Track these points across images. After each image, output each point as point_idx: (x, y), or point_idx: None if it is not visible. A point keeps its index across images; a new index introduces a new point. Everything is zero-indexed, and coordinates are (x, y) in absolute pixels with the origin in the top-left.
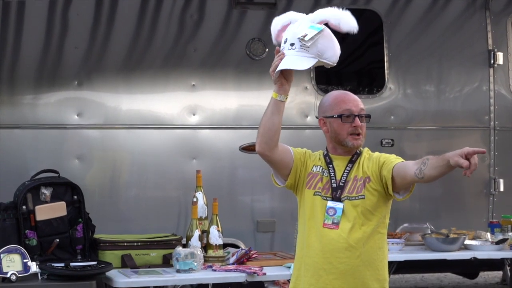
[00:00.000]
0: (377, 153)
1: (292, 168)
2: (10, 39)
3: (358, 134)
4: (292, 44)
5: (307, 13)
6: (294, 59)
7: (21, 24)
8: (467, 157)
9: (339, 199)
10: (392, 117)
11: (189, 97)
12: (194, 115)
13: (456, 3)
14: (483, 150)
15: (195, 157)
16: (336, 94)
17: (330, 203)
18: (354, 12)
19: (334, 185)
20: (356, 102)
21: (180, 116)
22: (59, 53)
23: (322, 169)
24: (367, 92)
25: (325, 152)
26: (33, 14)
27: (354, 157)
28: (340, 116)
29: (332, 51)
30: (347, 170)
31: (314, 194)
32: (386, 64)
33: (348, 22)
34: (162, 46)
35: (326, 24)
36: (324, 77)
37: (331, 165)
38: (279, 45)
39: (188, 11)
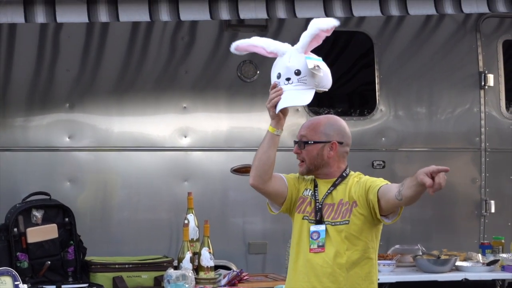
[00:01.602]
0: (365, 177)
1: (287, 196)
2: (2, 61)
3: (301, 161)
4: (288, 79)
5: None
6: (294, 95)
7: (12, 46)
8: (432, 175)
9: (320, 222)
10: (383, 139)
11: (181, 119)
12: (185, 137)
13: (446, 25)
14: (446, 169)
15: (187, 179)
16: None
17: (313, 227)
18: (345, 35)
19: (317, 208)
20: (301, 129)
21: (172, 138)
22: (51, 76)
23: (312, 192)
24: (358, 114)
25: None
26: (24, 36)
27: (337, 180)
28: (296, 142)
29: (328, 78)
30: (327, 193)
31: (302, 219)
32: (377, 86)
33: (328, 80)
34: (154, 68)
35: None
36: (316, 100)
37: (316, 188)
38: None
39: (179, 34)
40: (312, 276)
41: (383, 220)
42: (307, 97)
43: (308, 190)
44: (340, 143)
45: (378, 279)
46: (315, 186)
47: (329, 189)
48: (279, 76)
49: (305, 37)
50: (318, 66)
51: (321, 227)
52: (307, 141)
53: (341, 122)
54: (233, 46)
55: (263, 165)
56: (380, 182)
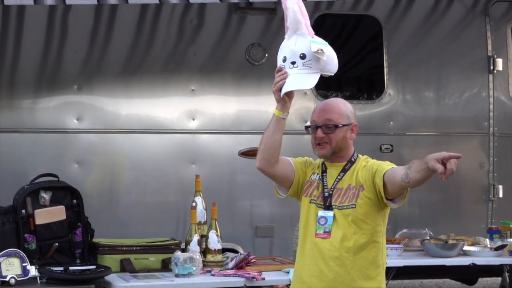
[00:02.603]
0: (372, 161)
1: (294, 179)
2: (10, 44)
3: (321, 144)
4: (293, 63)
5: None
6: (298, 78)
7: (21, 28)
8: (444, 161)
9: (329, 208)
10: (391, 122)
11: (189, 102)
12: (193, 119)
13: (456, 9)
14: (459, 155)
15: (194, 162)
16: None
17: (321, 212)
18: (354, 18)
19: (326, 193)
20: (322, 113)
21: (180, 121)
22: (59, 58)
23: (319, 176)
24: (367, 97)
25: (323, 160)
26: (33, 18)
27: (347, 165)
28: (308, 127)
29: (333, 63)
30: (338, 178)
31: (310, 202)
32: (385, 70)
33: (333, 65)
34: (162, 50)
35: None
36: (324, 83)
37: (325, 174)
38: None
39: (188, 16)
40: (319, 259)
41: (389, 204)
42: (312, 81)
43: (316, 174)
44: (354, 124)
45: (386, 263)
46: (324, 170)
47: (339, 174)
48: (284, 60)
49: (324, 45)
50: (321, 49)
51: (329, 213)
52: (337, 125)
53: (349, 104)
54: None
55: (269, 148)
56: (387, 165)
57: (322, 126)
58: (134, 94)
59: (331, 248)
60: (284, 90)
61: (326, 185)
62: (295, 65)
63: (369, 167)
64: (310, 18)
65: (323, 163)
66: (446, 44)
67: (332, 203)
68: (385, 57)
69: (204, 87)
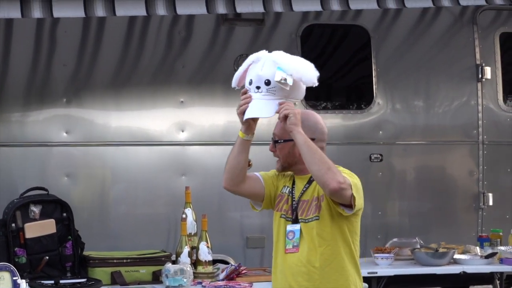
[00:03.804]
0: None
1: (265, 194)
2: None
3: (278, 158)
4: (258, 87)
5: (294, 33)
6: (261, 105)
7: (9, 41)
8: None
9: (296, 221)
10: (380, 132)
11: (178, 114)
12: (182, 131)
13: (443, 18)
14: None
15: (184, 174)
16: None
17: (289, 227)
18: (342, 28)
19: (293, 206)
20: (275, 127)
21: (169, 133)
22: (47, 71)
23: (289, 189)
24: (356, 107)
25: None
26: (21, 31)
27: (311, 177)
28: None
29: (300, 89)
30: (303, 190)
31: (280, 217)
32: (374, 79)
33: (309, 77)
34: (150, 63)
35: None
36: (313, 93)
37: (294, 186)
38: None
39: (176, 28)
40: (289, 276)
41: (343, 210)
42: (273, 109)
43: (286, 187)
44: (312, 139)
45: (376, 273)
46: (293, 183)
47: (305, 186)
48: (250, 83)
49: (288, 61)
50: (285, 79)
51: (296, 227)
52: (277, 140)
53: (313, 117)
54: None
55: (234, 169)
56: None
57: (274, 140)
58: (124, 107)
59: (299, 263)
60: (246, 116)
61: (294, 198)
62: (259, 90)
63: None
64: (298, 28)
65: (293, 176)
66: (435, 53)
67: (299, 217)
68: (373, 67)
69: (193, 99)
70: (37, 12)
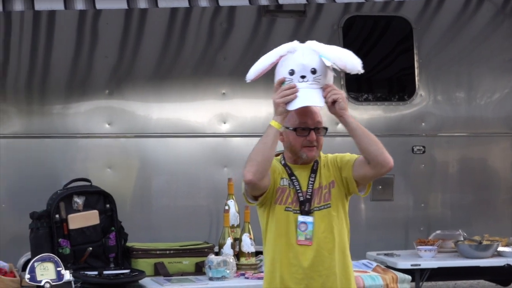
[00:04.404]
0: (331, 156)
1: (269, 188)
2: (41, 49)
3: (312, 146)
4: (303, 77)
5: (336, 24)
6: (310, 94)
7: (51, 34)
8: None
9: (308, 213)
10: (423, 124)
11: (220, 106)
12: (224, 123)
13: (485, 9)
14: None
15: (226, 165)
16: None
17: (301, 218)
18: (384, 19)
19: (301, 198)
20: (313, 115)
21: (211, 125)
22: (90, 63)
23: (289, 181)
24: (398, 99)
25: (283, 162)
26: (63, 24)
27: (314, 165)
28: (295, 129)
29: (332, 78)
30: (311, 181)
31: (285, 210)
32: (416, 71)
33: (354, 64)
34: (192, 55)
35: None
36: (355, 85)
37: (293, 177)
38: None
39: (218, 20)
40: (307, 268)
41: (359, 193)
42: (321, 97)
43: (284, 179)
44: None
45: (419, 265)
46: (290, 174)
47: (311, 176)
48: (292, 73)
49: (329, 49)
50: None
51: (309, 219)
52: (326, 128)
53: None
54: (248, 79)
55: (267, 161)
56: (350, 157)
57: (314, 128)
58: (165, 98)
59: (316, 253)
60: (296, 105)
61: (300, 189)
62: (305, 79)
63: (333, 162)
64: (340, 20)
65: (285, 166)
66: (477, 44)
67: (311, 207)
68: (416, 58)
69: (235, 91)
70: (80, 4)
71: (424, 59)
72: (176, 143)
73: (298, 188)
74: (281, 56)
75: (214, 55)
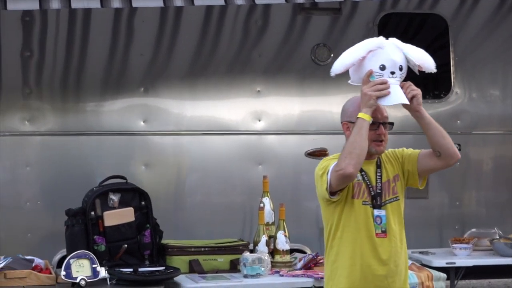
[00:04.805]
0: (390, 151)
1: None
2: (76, 47)
3: (381, 141)
4: (392, 73)
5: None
6: (399, 92)
7: (87, 32)
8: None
9: (380, 206)
10: (458, 121)
11: (254, 103)
12: (259, 120)
13: None
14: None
15: (261, 163)
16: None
17: (376, 212)
18: (420, 16)
19: (372, 192)
20: (381, 110)
21: (245, 122)
22: (125, 60)
23: (360, 176)
24: (433, 96)
25: None
26: (99, 22)
27: (378, 161)
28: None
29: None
30: (379, 175)
31: (362, 204)
32: (452, 68)
33: (430, 63)
34: (227, 52)
35: None
36: None
37: (363, 172)
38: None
39: (253, 17)
40: (387, 259)
41: (418, 185)
42: (404, 95)
43: (358, 175)
44: (351, 122)
45: (455, 263)
46: (361, 170)
47: (377, 171)
48: (383, 68)
49: (410, 48)
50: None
51: (382, 212)
52: (393, 123)
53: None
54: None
55: (364, 152)
56: (412, 151)
57: (382, 123)
58: (200, 96)
59: (392, 244)
60: (389, 102)
61: (370, 184)
62: (394, 76)
63: (394, 157)
64: (376, 17)
65: None
66: None
67: (383, 201)
68: (451, 55)
69: (269, 88)
70: (116, 2)
71: (459, 57)
72: (210, 140)
73: (368, 183)
74: (370, 51)
75: (249, 52)
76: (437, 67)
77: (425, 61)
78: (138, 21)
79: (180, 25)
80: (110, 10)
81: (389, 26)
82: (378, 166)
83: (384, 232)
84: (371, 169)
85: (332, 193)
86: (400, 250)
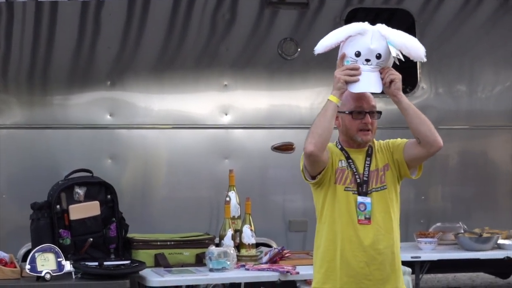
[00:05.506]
0: (383, 142)
1: (327, 165)
2: (43, 40)
3: (368, 130)
4: (368, 60)
5: (339, 17)
6: (371, 79)
7: (54, 25)
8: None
9: (365, 194)
10: None
11: (221, 97)
12: (226, 114)
13: (488, 2)
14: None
15: (227, 157)
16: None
17: (360, 199)
18: (386, 12)
19: (358, 180)
20: (368, 99)
21: (212, 116)
22: (92, 53)
23: (346, 163)
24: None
25: (339, 146)
26: (65, 14)
27: (369, 150)
28: (351, 113)
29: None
30: (367, 164)
31: (345, 190)
32: (418, 64)
33: (418, 52)
34: (194, 46)
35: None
36: None
37: (350, 160)
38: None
39: (220, 11)
40: (368, 246)
41: (410, 176)
42: (380, 83)
43: (342, 161)
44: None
45: (419, 257)
46: (347, 157)
47: (366, 159)
48: (358, 55)
49: (397, 36)
50: (398, 55)
51: (367, 199)
52: (380, 112)
53: None
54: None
55: (327, 133)
56: (401, 141)
57: (369, 112)
58: (167, 90)
59: (375, 232)
60: (357, 90)
61: (357, 172)
62: (369, 63)
63: (385, 147)
64: (343, 12)
65: (341, 149)
66: (479, 37)
67: (369, 188)
68: None
69: (236, 82)
70: None
71: (426, 52)
72: (177, 134)
73: (355, 170)
74: (350, 36)
75: (216, 46)
76: (403, 62)
77: (412, 49)
78: (105, 14)
79: (147, 18)
80: (77, 3)
81: (356, 21)
82: (369, 155)
83: (368, 219)
84: (359, 158)
85: (313, 176)
86: (387, 239)
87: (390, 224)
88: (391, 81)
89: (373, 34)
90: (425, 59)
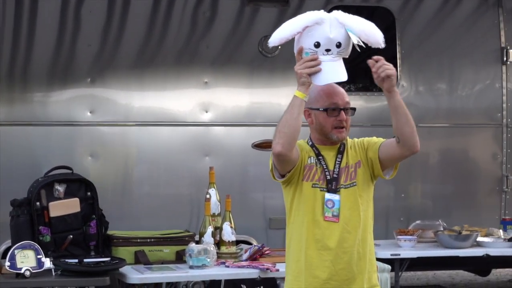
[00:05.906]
0: (358, 139)
1: (297, 164)
2: (23, 37)
3: (342, 127)
4: (328, 50)
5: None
6: (335, 68)
7: (34, 21)
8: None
9: (335, 191)
10: None
11: (202, 94)
12: (206, 112)
13: (468, 1)
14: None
15: (208, 154)
16: (322, 86)
17: (328, 195)
18: (367, 9)
19: (328, 177)
20: (342, 95)
21: (193, 113)
22: (72, 51)
23: (316, 160)
24: (379, 89)
25: (310, 142)
26: (45, 11)
27: (341, 147)
28: (325, 110)
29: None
30: (338, 161)
31: (312, 186)
32: (398, 62)
33: (376, 38)
34: (175, 43)
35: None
36: None
37: (320, 157)
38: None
39: (201, 8)
40: (333, 243)
41: (384, 176)
42: (345, 71)
43: (312, 158)
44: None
45: (399, 255)
46: (317, 154)
47: (337, 156)
48: (317, 45)
49: (355, 22)
50: (359, 40)
51: (336, 197)
52: (355, 109)
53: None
54: (270, 44)
55: (294, 131)
56: (377, 139)
57: (343, 108)
58: (147, 87)
59: (342, 230)
60: (323, 81)
61: (327, 168)
62: (329, 53)
63: (360, 144)
64: (323, 9)
65: (312, 146)
66: (459, 36)
67: (338, 185)
68: (398, 49)
69: (217, 80)
70: None
71: (406, 50)
72: (157, 131)
73: (325, 167)
74: (307, 27)
75: (197, 43)
76: (384, 59)
77: (371, 35)
78: (85, 11)
79: (128, 16)
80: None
81: None
82: (340, 152)
83: (335, 216)
84: (330, 154)
85: (282, 175)
86: (353, 237)
87: (358, 222)
88: (388, 76)
89: (331, 22)
90: (383, 45)
